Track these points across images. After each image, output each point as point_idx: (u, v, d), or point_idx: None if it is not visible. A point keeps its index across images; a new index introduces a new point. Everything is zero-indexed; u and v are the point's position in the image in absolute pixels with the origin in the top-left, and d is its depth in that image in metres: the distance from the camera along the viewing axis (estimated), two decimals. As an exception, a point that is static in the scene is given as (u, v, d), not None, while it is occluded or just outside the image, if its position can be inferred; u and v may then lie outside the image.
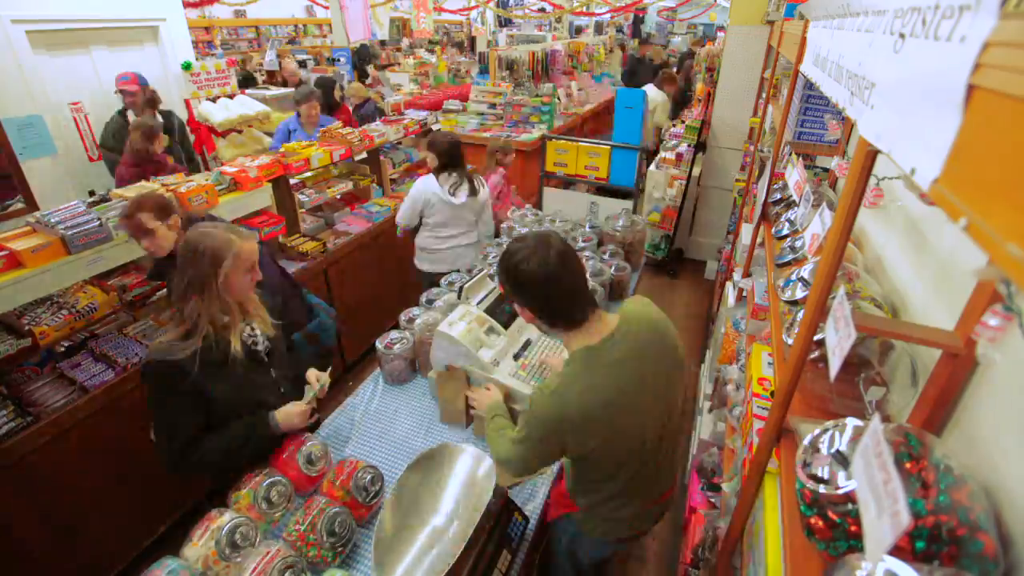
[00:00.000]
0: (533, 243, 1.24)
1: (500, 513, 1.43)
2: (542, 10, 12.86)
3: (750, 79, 4.58)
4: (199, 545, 1.28)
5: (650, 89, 5.82)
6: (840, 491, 0.78)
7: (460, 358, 1.81)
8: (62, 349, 2.30)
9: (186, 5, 5.48)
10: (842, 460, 0.82)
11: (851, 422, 0.87)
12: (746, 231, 2.42)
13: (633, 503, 1.46)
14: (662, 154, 5.08)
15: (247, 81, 6.50)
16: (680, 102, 7.22)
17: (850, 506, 0.77)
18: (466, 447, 1.53)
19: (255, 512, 1.40)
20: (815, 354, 1.10)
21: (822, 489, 0.80)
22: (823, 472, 0.82)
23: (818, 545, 0.82)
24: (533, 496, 1.64)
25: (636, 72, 8.57)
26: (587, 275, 1.34)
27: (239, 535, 1.28)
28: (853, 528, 0.77)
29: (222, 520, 1.31)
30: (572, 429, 1.23)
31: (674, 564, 2.28)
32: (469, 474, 1.47)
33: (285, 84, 6.60)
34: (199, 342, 1.40)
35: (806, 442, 0.89)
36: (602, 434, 1.25)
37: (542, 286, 1.23)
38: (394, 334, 2.08)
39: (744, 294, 2.45)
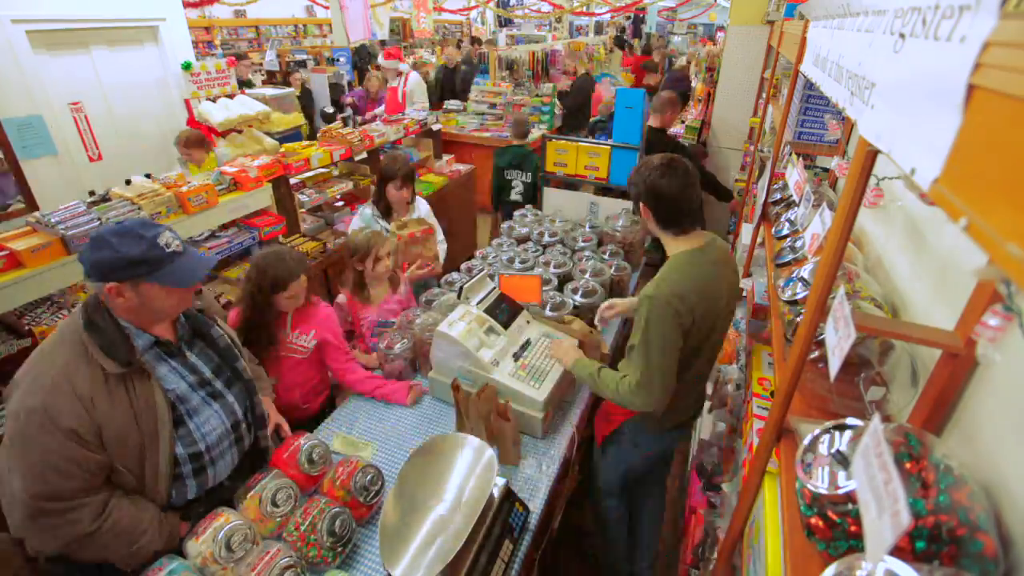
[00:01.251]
0: (668, 162, 1.54)
1: (502, 503, 1.44)
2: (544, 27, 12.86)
3: (750, 79, 4.58)
4: (200, 542, 1.28)
5: None
6: (840, 491, 0.78)
7: (460, 358, 1.81)
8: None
9: (186, 5, 5.48)
10: (842, 460, 0.82)
11: (851, 422, 0.87)
12: (746, 231, 2.43)
13: (694, 390, 1.79)
14: (662, 154, 5.06)
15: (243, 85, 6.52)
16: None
17: (850, 506, 0.77)
18: (468, 437, 1.54)
19: (261, 514, 1.40)
20: (815, 354, 1.10)
21: (822, 489, 0.80)
22: (823, 472, 0.82)
23: (818, 545, 0.82)
24: (534, 495, 1.64)
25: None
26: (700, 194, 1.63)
27: (236, 540, 1.28)
28: (853, 528, 0.77)
29: (222, 522, 1.31)
30: (686, 307, 1.47)
31: (674, 564, 2.27)
32: (471, 464, 1.48)
33: (285, 83, 6.61)
34: None
35: (806, 442, 0.89)
36: (699, 313, 1.51)
37: (672, 196, 1.53)
38: (393, 334, 2.08)
39: (744, 294, 2.45)
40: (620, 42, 10.69)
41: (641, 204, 1.60)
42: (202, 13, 9.16)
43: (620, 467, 1.95)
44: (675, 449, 2.04)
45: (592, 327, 2.30)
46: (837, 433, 0.88)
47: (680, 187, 1.53)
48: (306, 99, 6.45)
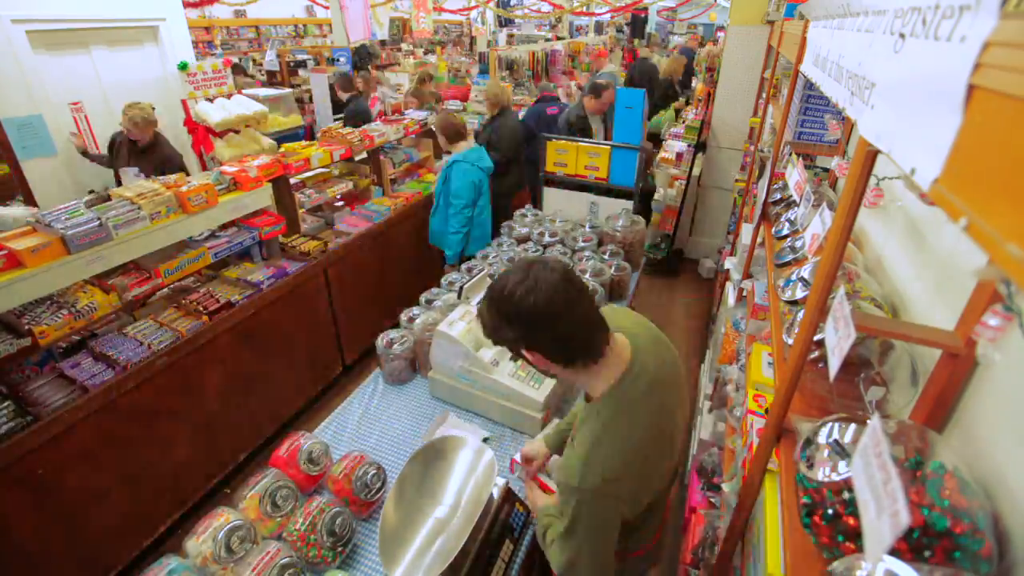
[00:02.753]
0: (526, 271, 1.03)
1: (502, 504, 1.44)
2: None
3: (750, 79, 4.58)
4: (200, 541, 1.28)
5: None
6: (838, 477, 0.79)
7: (459, 358, 1.81)
8: (62, 349, 2.31)
9: (186, 5, 5.48)
10: (840, 450, 0.82)
11: (850, 425, 0.87)
12: (746, 231, 2.42)
13: (653, 529, 1.35)
14: (662, 154, 5.08)
15: (236, 68, 6.48)
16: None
17: (846, 495, 0.78)
18: (467, 439, 1.54)
19: (261, 514, 1.40)
20: (815, 354, 1.10)
21: (820, 477, 0.80)
22: (822, 460, 0.82)
23: (813, 539, 0.82)
24: (533, 496, 1.64)
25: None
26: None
27: (236, 539, 1.28)
28: (851, 523, 0.77)
29: (221, 521, 1.31)
30: (627, 488, 1.08)
31: (674, 564, 2.28)
32: (471, 466, 1.48)
33: (283, 84, 6.60)
34: None
35: (806, 434, 0.90)
36: (647, 476, 1.12)
37: (556, 319, 1.02)
38: (394, 333, 2.08)
39: (744, 294, 2.45)
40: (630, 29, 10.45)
41: (524, 353, 1.09)
42: (202, 13, 9.16)
43: None
44: None
45: None
46: (837, 425, 0.88)
47: (560, 301, 1.02)
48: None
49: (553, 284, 1.02)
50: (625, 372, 1.10)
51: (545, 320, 1.02)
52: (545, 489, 1.49)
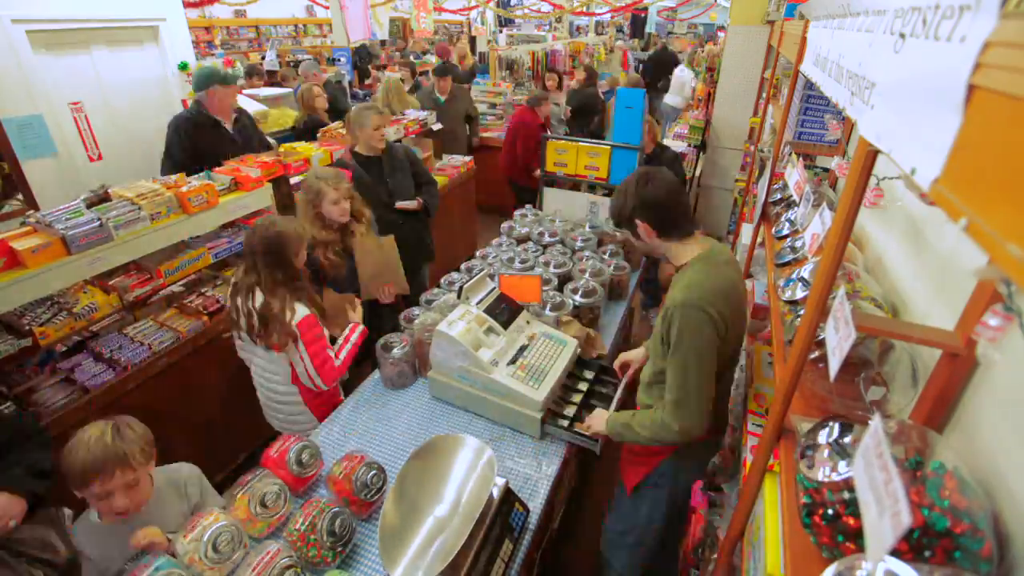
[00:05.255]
0: (646, 172, 1.52)
1: (501, 503, 1.44)
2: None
3: (750, 79, 4.58)
4: (188, 540, 1.28)
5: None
6: (839, 478, 0.79)
7: (459, 358, 1.81)
8: (62, 349, 2.30)
9: (186, 5, 5.48)
10: (840, 450, 0.82)
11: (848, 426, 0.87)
12: (746, 231, 2.43)
13: (722, 426, 1.71)
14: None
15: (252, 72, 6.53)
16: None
17: (847, 495, 0.78)
18: (467, 438, 1.54)
19: (250, 514, 1.40)
20: (815, 354, 1.10)
21: (820, 477, 0.80)
22: (824, 467, 0.82)
23: (813, 538, 0.82)
24: (534, 495, 1.64)
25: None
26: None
27: (223, 540, 1.28)
28: (851, 523, 0.77)
29: (210, 521, 1.31)
30: (719, 312, 1.38)
31: (674, 564, 2.27)
32: (470, 465, 1.48)
33: (282, 84, 6.60)
34: None
35: (805, 433, 0.90)
36: (730, 319, 1.42)
37: (665, 200, 1.48)
38: (393, 337, 2.08)
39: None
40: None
41: (637, 223, 1.51)
42: (202, 13, 9.16)
43: (661, 508, 1.75)
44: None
45: (590, 327, 2.30)
46: (838, 425, 0.88)
47: (667, 189, 1.48)
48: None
49: (664, 179, 1.50)
50: (706, 251, 1.51)
51: (658, 201, 1.48)
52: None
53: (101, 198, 2.31)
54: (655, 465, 1.68)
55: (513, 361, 1.84)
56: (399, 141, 4.23)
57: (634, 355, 1.94)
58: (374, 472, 1.53)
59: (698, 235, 1.55)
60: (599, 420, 1.70)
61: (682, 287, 1.43)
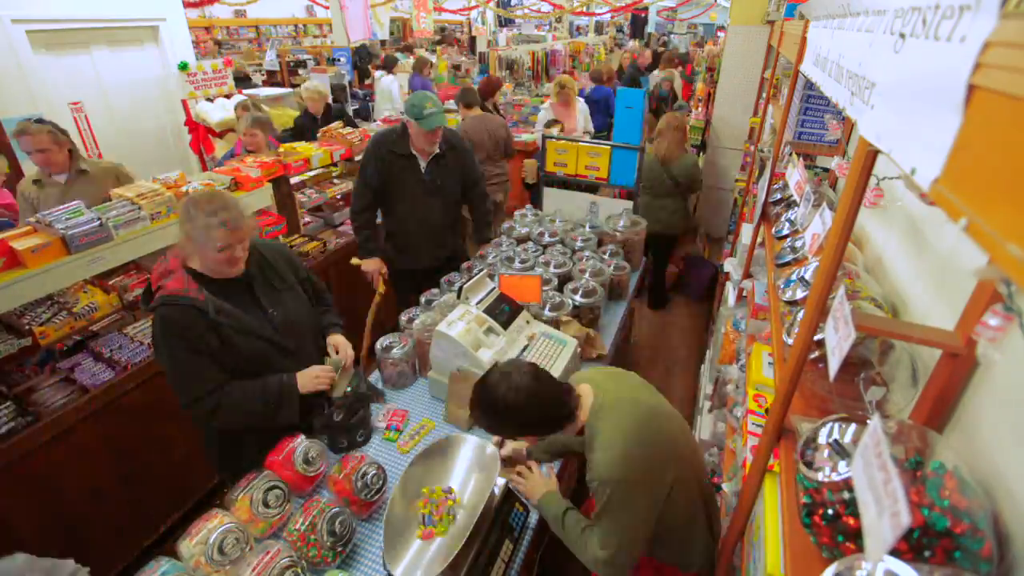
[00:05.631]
0: (497, 379, 1.32)
1: (502, 503, 1.44)
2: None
3: (750, 79, 4.58)
4: (193, 543, 1.28)
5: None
6: (839, 478, 0.78)
7: (458, 358, 1.81)
8: (62, 349, 2.30)
9: (186, 5, 5.48)
10: (840, 450, 0.82)
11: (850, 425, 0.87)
12: (746, 231, 2.43)
13: (712, 530, 1.46)
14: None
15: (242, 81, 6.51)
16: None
17: (847, 495, 0.78)
18: (469, 438, 1.54)
19: (252, 515, 1.40)
20: (815, 354, 1.10)
21: (820, 477, 0.80)
22: (824, 467, 0.82)
23: (813, 538, 0.82)
24: (533, 496, 1.64)
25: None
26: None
27: (228, 542, 1.28)
28: (851, 523, 0.77)
29: (215, 523, 1.31)
30: (651, 473, 1.28)
31: (674, 564, 2.27)
32: (471, 465, 1.48)
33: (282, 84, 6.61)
34: None
35: (806, 434, 0.90)
36: (663, 457, 1.31)
37: (532, 409, 1.31)
38: (392, 337, 2.07)
39: (744, 294, 2.45)
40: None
41: (524, 439, 1.48)
42: (202, 13, 9.17)
43: None
44: None
45: (590, 327, 2.30)
46: (838, 425, 0.88)
47: (531, 382, 1.31)
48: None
49: (517, 383, 1.30)
50: (598, 399, 1.37)
51: (525, 410, 1.30)
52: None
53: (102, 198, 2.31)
54: None
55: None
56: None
57: (516, 447, 1.69)
58: (374, 472, 1.53)
59: (581, 397, 1.38)
60: (535, 486, 1.53)
61: (601, 453, 1.27)
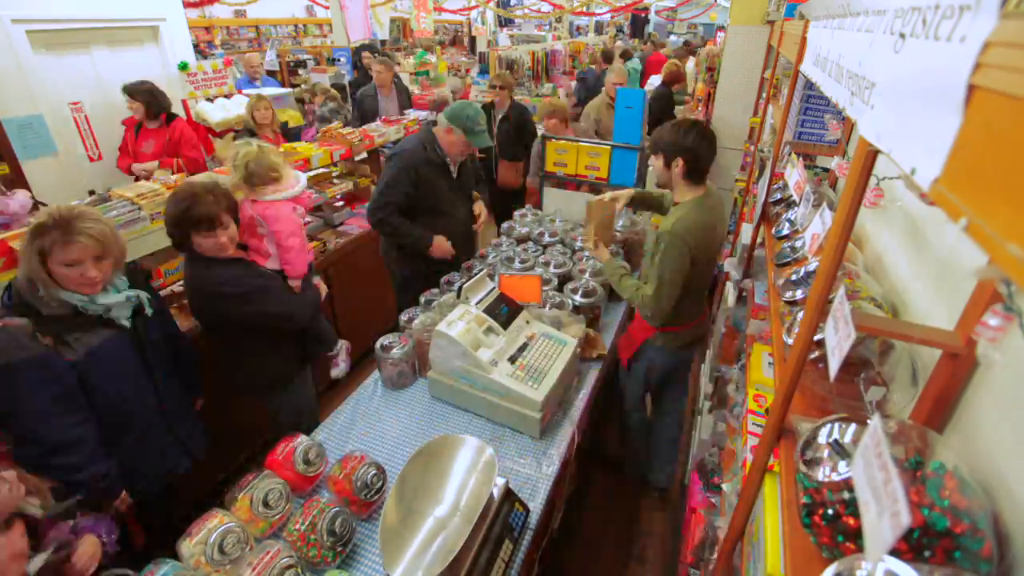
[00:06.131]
0: (704, 125, 1.99)
1: (502, 503, 1.44)
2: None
3: (750, 79, 4.58)
4: (193, 543, 1.28)
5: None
6: (839, 478, 0.78)
7: (458, 358, 1.81)
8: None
9: (186, 5, 5.48)
10: (840, 450, 0.82)
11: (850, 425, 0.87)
12: (746, 231, 2.42)
13: (696, 303, 2.21)
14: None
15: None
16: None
17: (847, 495, 0.78)
18: (467, 438, 1.54)
19: (252, 515, 1.40)
20: (815, 354, 1.10)
21: (820, 477, 0.80)
22: (824, 467, 0.82)
23: (813, 538, 0.82)
24: (534, 495, 1.64)
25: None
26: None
27: (229, 542, 1.28)
28: (851, 523, 0.77)
29: (215, 523, 1.31)
30: (694, 242, 1.91)
31: (674, 564, 2.28)
32: (470, 465, 1.48)
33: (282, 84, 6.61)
34: None
35: (806, 434, 0.90)
36: (702, 246, 1.95)
37: (707, 157, 1.95)
38: (392, 337, 2.07)
39: (744, 294, 2.45)
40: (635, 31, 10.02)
41: (679, 159, 1.94)
42: (202, 13, 9.16)
43: (641, 380, 2.38)
44: (688, 372, 2.46)
45: (590, 327, 2.30)
46: (838, 425, 0.88)
47: (712, 149, 1.95)
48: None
49: (710, 139, 1.97)
50: (701, 197, 2.00)
51: (701, 154, 1.95)
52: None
53: (102, 198, 2.31)
54: (638, 347, 2.28)
55: (512, 361, 1.84)
56: (399, 142, 4.23)
57: (620, 192, 2.37)
58: (374, 472, 1.53)
59: (703, 185, 2.01)
60: (604, 253, 2.24)
61: (674, 220, 1.94)
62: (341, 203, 3.86)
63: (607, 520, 2.60)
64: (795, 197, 1.81)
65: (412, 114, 4.57)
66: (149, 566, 1.24)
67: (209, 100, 4.61)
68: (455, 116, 2.52)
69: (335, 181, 3.81)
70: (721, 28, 11.45)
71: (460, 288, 2.02)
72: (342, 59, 7.08)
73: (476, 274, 2.10)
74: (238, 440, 2.77)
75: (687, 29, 17.15)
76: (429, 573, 1.22)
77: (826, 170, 2.36)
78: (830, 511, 0.80)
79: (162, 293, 2.65)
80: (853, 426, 0.87)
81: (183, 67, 4.58)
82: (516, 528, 1.46)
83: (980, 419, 0.89)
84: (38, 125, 3.82)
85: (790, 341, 1.22)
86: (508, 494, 1.49)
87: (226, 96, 4.72)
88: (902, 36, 0.56)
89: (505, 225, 3.10)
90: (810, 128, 2.20)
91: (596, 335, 2.29)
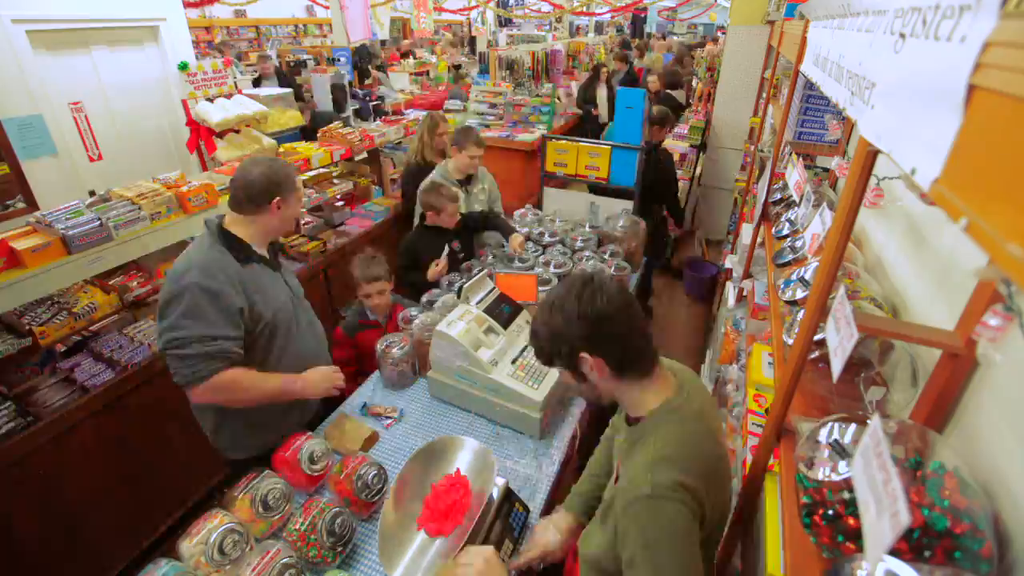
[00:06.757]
0: (589, 279, 1.08)
1: (502, 503, 1.44)
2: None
3: (750, 79, 4.58)
4: (193, 543, 1.28)
5: None
6: (839, 478, 0.78)
7: (459, 358, 1.81)
8: (62, 349, 2.30)
9: (186, 5, 5.48)
10: (840, 450, 0.82)
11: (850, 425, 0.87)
12: (746, 231, 2.43)
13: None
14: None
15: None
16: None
17: (846, 495, 0.78)
18: (467, 439, 1.54)
19: (253, 515, 1.40)
20: (815, 354, 1.10)
21: (820, 477, 0.80)
22: (824, 467, 0.82)
23: (813, 538, 0.82)
24: (534, 495, 1.64)
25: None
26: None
27: (229, 542, 1.28)
28: (851, 523, 0.77)
29: (216, 523, 1.31)
30: (698, 491, 0.96)
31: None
32: (470, 465, 1.48)
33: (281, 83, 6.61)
34: None
35: (806, 434, 0.90)
36: (710, 494, 1.00)
37: (622, 323, 1.05)
38: (393, 337, 2.07)
39: (744, 294, 2.45)
40: (623, 51, 9.89)
41: (584, 357, 1.06)
42: (202, 13, 9.16)
43: None
44: None
45: None
46: (837, 425, 0.88)
47: (621, 304, 1.05)
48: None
49: (617, 290, 1.07)
50: (675, 394, 1.11)
51: (611, 321, 1.04)
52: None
53: (102, 198, 2.31)
54: None
55: (513, 361, 1.84)
56: (399, 142, 4.23)
57: (549, 541, 1.36)
58: (375, 472, 1.53)
59: (661, 371, 1.12)
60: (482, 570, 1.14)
61: (646, 462, 1.00)
62: (341, 203, 3.86)
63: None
64: (795, 197, 1.81)
65: (412, 114, 4.56)
66: (149, 566, 1.24)
67: (209, 100, 4.61)
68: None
69: (335, 181, 3.81)
70: (721, 28, 11.45)
71: (460, 288, 2.02)
72: (342, 59, 7.07)
73: (476, 274, 2.10)
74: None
75: (687, 29, 17.15)
76: (430, 572, 1.22)
77: (826, 170, 2.36)
78: (830, 511, 0.80)
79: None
80: (853, 426, 0.87)
81: (183, 67, 4.58)
82: (516, 528, 1.46)
83: (980, 419, 0.89)
84: (38, 125, 3.82)
85: (790, 341, 1.22)
86: (508, 494, 1.49)
87: (226, 96, 4.72)
88: (902, 36, 0.56)
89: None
90: (810, 128, 2.20)
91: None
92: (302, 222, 3.44)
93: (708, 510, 0.98)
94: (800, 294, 1.35)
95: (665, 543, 0.93)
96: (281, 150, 3.30)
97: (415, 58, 9.90)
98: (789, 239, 1.75)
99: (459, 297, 2.02)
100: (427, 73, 8.34)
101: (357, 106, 6.35)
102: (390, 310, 2.33)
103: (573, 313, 1.04)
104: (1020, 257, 0.32)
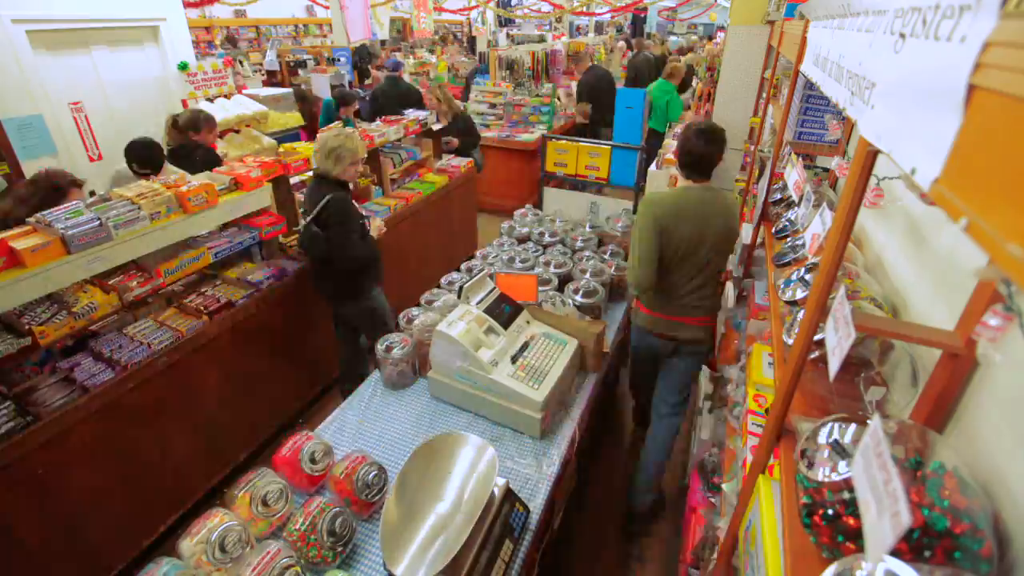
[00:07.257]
0: (705, 129, 2.07)
1: (502, 503, 1.44)
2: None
3: (750, 79, 4.58)
4: (194, 542, 1.28)
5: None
6: (839, 478, 0.78)
7: (459, 358, 1.81)
8: (62, 349, 2.30)
9: (186, 5, 5.48)
10: (840, 450, 0.82)
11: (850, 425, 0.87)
12: (746, 231, 2.42)
13: (676, 297, 2.20)
14: (665, 154, 5.08)
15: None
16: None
17: (847, 495, 0.78)
18: (469, 436, 1.54)
19: (252, 514, 1.40)
20: (815, 354, 1.10)
21: (820, 477, 0.80)
22: (824, 467, 0.82)
23: (812, 538, 0.82)
24: (534, 495, 1.64)
25: (640, 72, 8.33)
26: (720, 153, 2.10)
27: (229, 540, 1.28)
28: (851, 523, 0.77)
29: (216, 522, 1.31)
30: (661, 211, 2.04)
31: (674, 564, 2.28)
32: (472, 464, 1.48)
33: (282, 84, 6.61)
34: None
35: (806, 434, 0.90)
36: (673, 224, 2.04)
37: (693, 143, 2.06)
38: (393, 337, 2.07)
39: (744, 294, 2.45)
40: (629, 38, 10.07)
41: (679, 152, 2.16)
42: (202, 13, 9.16)
43: (631, 360, 2.63)
44: (676, 381, 2.38)
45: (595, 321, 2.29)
46: (838, 425, 0.88)
47: (703, 145, 2.04)
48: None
49: (704, 140, 2.05)
50: (690, 187, 2.13)
51: (689, 150, 2.09)
52: None
53: (102, 198, 2.31)
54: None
55: (513, 361, 1.84)
56: (399, 142, 4.24)
57: None
58: (375, 472, 1.53)
59: (702, 182, 2.11)
60: None
61: (653, 193, 2.16)
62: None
63: (607, 520, 2.60)
64: (795, 197, 1.81)
65: (412, 113, 4.56)
66: (150, 565, 1.24)
67: (209, 100, 4.61)
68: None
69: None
70: (721, 28, 11.45)
71: (461, 288, 2.02)
72: (342, 59, 7.07)
73: (476, 274, 2.10)
74: (238, 439, 2.78)
75: (687, 29, 17.15)
76: (431, 571, 1.22)
77: (826, 170, 2.36)
78: (830, 511, 0.80)
79: (163, 293, 2.66)
80: (853, 426, 0.87)
81: (183, 67, 4.58)
82: (516, 528, 1.46)
83: (980, 419, 0.89)
84: (38, 125, 3.82)
85: (790, 341, 1.22)
86: (508, 494, 1.49)
87: (226, 96, 4.72)
88: (902, 36, 0.56)
89: (505, 225, 3.10)
90: (810, 128, 2.20)
91: (603, 324, 2.25)
92: (302, 222, 3.43)
93: (669, 228, 2.05)
94: (800, 294, 1.35)
95: (638, 221, 2.10)
96: (281, 150, 3.29)
97: (415, 58, 9.90)
98: (789, 239, 1.75)
99: (459, 297, 2.02)
100: (427, 73, 8.33)
101: (357, 106, 6.34)
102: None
103: (684, 134, 2.13)
104: (1020, 257, 0.32)
